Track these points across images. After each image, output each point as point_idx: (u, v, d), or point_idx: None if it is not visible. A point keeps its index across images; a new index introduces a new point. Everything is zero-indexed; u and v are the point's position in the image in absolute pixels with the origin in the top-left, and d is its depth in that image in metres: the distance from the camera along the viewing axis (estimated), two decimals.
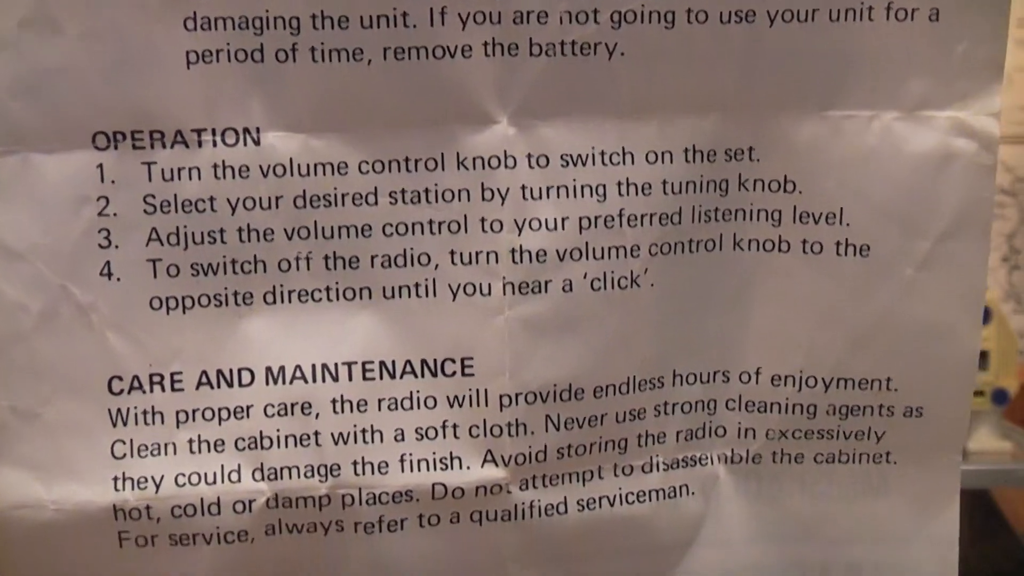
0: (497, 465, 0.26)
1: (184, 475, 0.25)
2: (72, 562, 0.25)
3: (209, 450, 0.25)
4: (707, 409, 0.27)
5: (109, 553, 0.25)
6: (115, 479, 0.25)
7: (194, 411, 0.25)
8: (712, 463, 0.28)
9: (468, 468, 0.26)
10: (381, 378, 0.26)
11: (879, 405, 0.27)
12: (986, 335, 0.82)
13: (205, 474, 0.25)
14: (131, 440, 0.25)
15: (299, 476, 0.25)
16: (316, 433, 0.25)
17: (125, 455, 0.25)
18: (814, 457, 0.28)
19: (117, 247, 0.25)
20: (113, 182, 0.24)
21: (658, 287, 0.26)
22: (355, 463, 0.25)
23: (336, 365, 0.25)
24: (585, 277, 0.25)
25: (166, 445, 0.25)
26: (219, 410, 0.25)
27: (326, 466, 0.25)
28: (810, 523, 0.28)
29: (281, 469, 0.25)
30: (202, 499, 0.25)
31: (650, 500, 0.27)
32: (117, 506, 0.25)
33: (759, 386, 0.27)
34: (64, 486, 0.25)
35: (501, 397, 0.26)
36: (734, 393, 0.27)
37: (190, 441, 0.25)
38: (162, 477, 0.25)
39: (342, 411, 0.25)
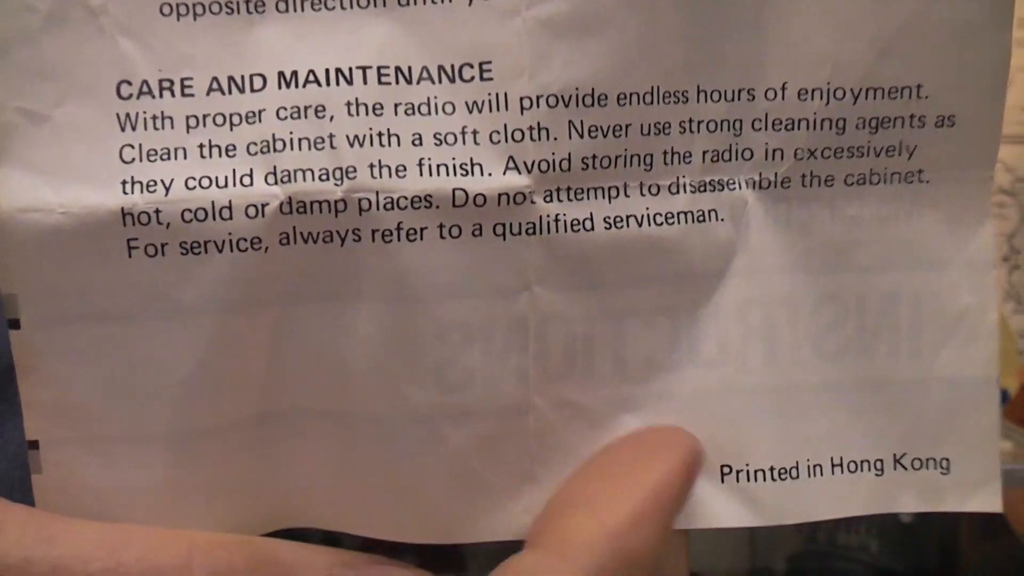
0: (520, 172, 0.25)
1: (195, 179, 0.24)
2: (80, 271, 0.24)
3: (220, 155, 0.24)
4: (733, 129, 0.27)
5: (118, 262, 0.24)
6: (124, 183, 0.24)
7: (205, 116, 0.24)
8: (740, 187, 0.27)
9: (490, 175, 0.25)
10: (397, 83, 0.25)
11: (910, 115, 0.27)
12: None
13: (216, 178, 0.24)
14: (140, 145, 0.24)
15: (314, 179, 0.24)
16: (331, 136, 0.24)
17: (134, 159, 0.24)
18: (844, 179, 0.27)
19: None
20: None
21: None
22: (372, 166, 0.24)
23: (350, 69, 0.25)
24: None
25: (176, 150, 0.24)
26: (230, 115, 0.24)
27: (341, 169, 0.24)
28: (843, 250, 0.27)
29: (295, 172, 0.24)
30: (213, 203, 0.24)
31: (679, 223, 0.26)
32: (126, 210, 0.24)
33: (785, 102, 0.26)
34: (72, 189, 0.24)
35: (522, 100, 0.25)
36: (760, 112, 0.27)
37: (200, 146, 0.24)
38: (172, 180, 0.24)
39: (357, 114, 0.25)
